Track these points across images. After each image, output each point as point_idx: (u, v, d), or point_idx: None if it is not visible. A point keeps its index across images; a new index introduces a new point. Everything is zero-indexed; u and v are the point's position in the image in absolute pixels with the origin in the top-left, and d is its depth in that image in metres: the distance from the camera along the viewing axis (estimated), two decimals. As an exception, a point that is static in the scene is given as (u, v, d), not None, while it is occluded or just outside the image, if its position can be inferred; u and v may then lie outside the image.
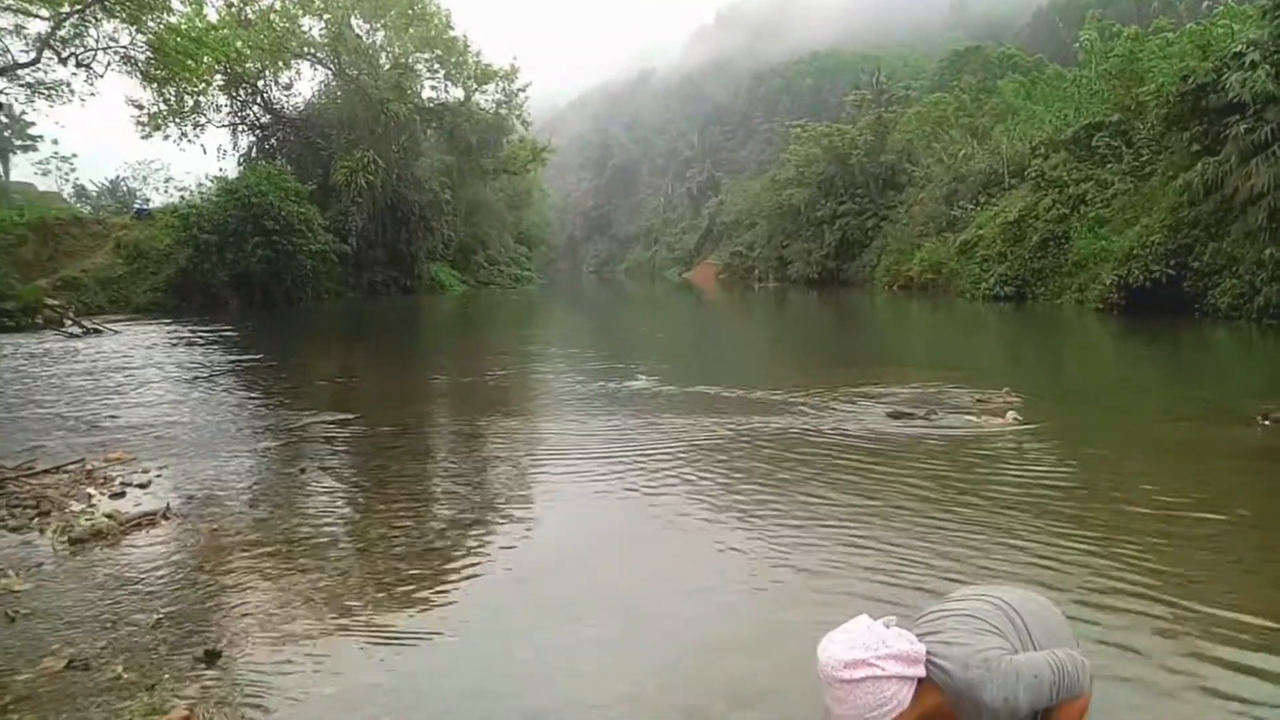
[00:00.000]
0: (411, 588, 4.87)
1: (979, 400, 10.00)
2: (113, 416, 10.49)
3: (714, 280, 72.56)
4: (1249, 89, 19.93)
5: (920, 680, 2.12)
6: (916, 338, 24.19)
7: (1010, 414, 9.15)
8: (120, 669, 3.77)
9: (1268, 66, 19.92)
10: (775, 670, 3.82)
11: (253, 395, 12.42)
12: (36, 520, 5.96)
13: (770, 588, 4.82)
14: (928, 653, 2.14)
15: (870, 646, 2.09)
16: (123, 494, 6.77)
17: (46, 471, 7.21)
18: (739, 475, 7.34)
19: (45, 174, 58.48)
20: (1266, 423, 8.61)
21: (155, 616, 4.36)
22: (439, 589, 4.87)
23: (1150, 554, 5.12)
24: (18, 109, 39.42)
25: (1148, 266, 22.53)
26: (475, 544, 5.69)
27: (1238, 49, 20.95)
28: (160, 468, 7.70)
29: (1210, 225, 21.49)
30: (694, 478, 7.21)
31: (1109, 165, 28.75)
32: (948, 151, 44.73)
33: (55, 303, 24.91)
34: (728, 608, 4.60)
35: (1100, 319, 23.40)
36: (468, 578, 5.07)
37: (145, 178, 57.10)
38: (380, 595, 4.75)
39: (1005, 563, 5.02)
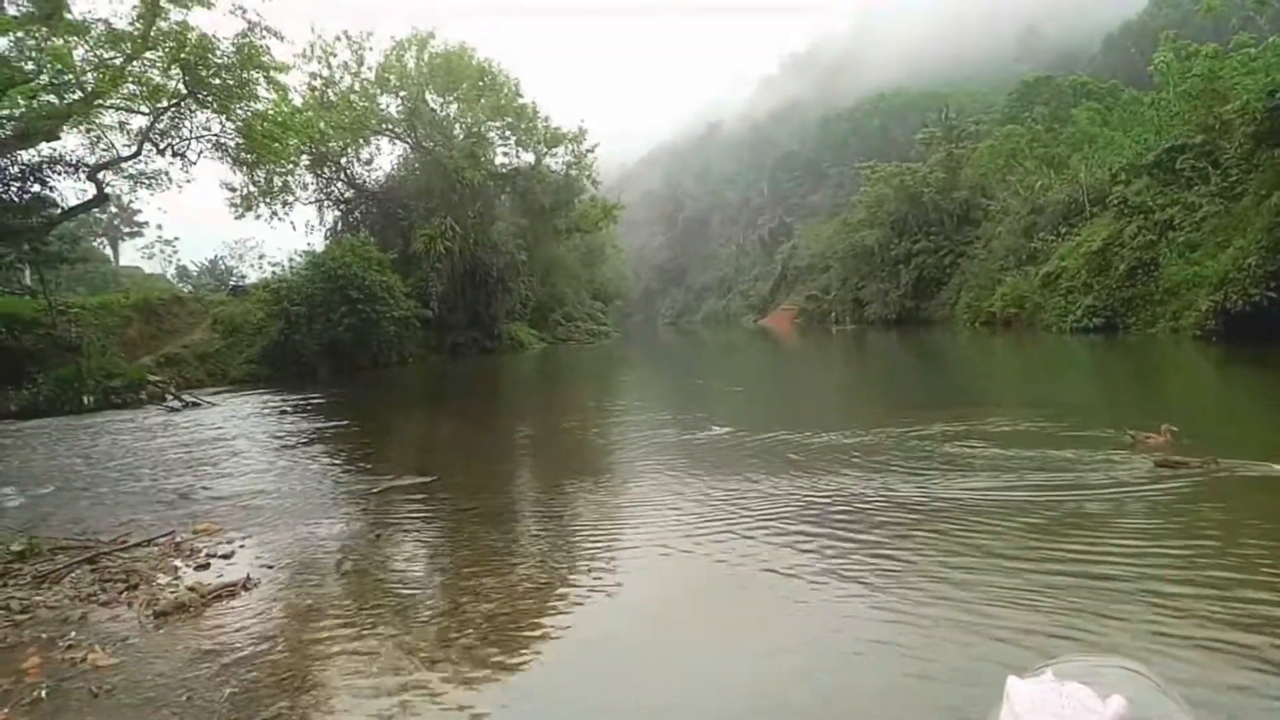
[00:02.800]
0: (491, 655, 4.85)
1: (1140, 437, 9.40)
2: (204, 488, 10.88)
3: (790, 325, 71.99)
4: (1344, 99, 19.02)
5: None
6: (1009, 375, 23.39)
7: (1165, 428, 9.05)
8: (193, 745, 3.83)
9: (1362, 74, 19.00)
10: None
11: (336, 461, 12.75)
12: (125, 594, 6.17)
13: (850, 651, 4.63)
14: None
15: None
16: (207, 565, 6.97)
17: (138, 545, 7.49)
18: (822, 532, 7.12)
19: (150, 257, 62.28)
20: None
21: (229, 690, 4.43)
22: (520, 656, 4.83)
23: None
24: (124, 199, 42.18)
25: (1246, 290, 21.39)
26: (551, 609, 5.65)
27: (1328, 58, 20.08)
28: (244, 538, 7.92)
29: (1312, 243, 20.37)
30: (779, 537, 7.04)
31: (1195, 188, 27.63)
32: (1023, 183, 43.77)
33: (158, 379, 26.23)
34: (809, 671, 4.42)
35: (1199, 347, 22.26)
36: (544, 646, 5.02)
37: (241, 255, 60.24)
38: (450, 664, 4.74)
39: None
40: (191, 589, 6.08)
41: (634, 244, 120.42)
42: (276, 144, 28.25)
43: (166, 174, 28.96)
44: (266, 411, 21.04)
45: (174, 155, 28.00)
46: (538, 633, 5.18)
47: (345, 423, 18.19)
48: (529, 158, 48.99)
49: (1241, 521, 6.60)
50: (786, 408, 18.01)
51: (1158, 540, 6.14)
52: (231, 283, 49.56)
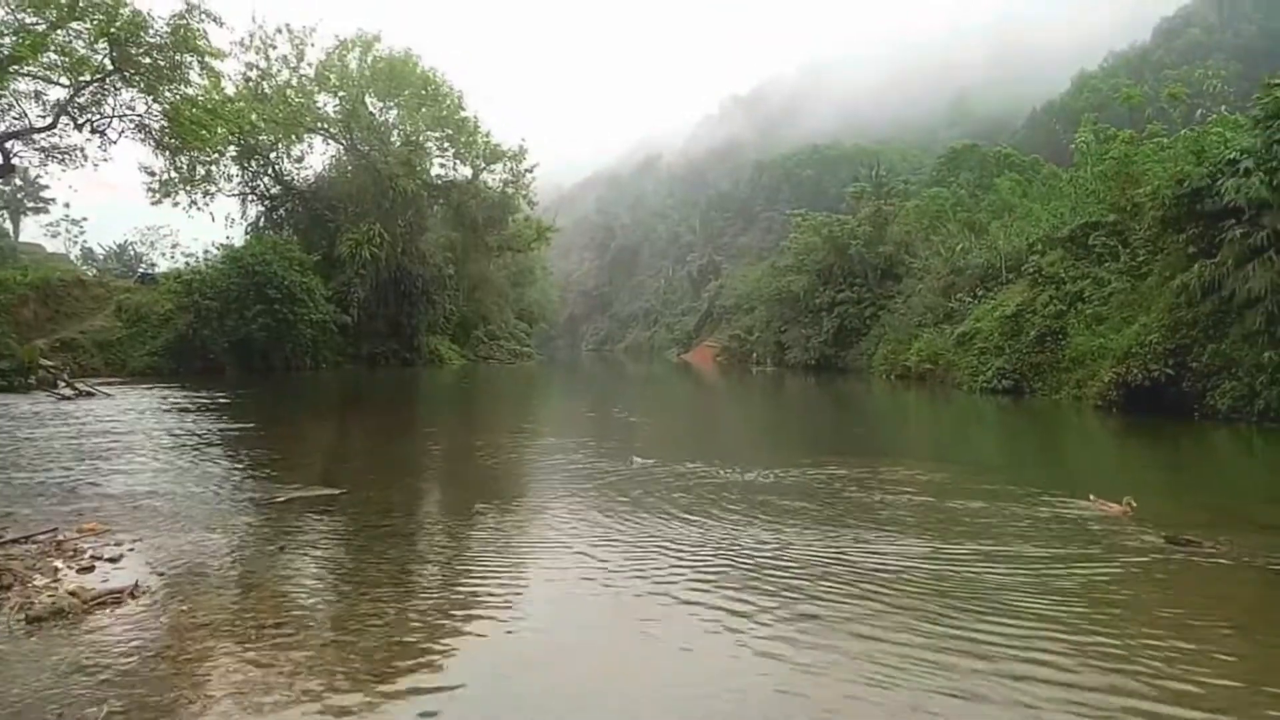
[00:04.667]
0: (383, 684, 4.59)
1: (1098, 504, 9.54)
2: (93, 484, 10.23)
3: (712, 362, 72.74)
4: (1244, 194, 20.21)
5: None
6: (924, 429, 24.01)
7: (1126, 500, 9.20)
8: (61, 769, 3.49)
9: (1261, 174, 20.23)
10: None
11: (239, 466, 12.16)
12: (-4, 594, 5.68)
13: (750, 684, 4.53)
14: None
15: None
16: (91, 568, 6.49)
17: (14, 541, 6.95)
18: (729, 567, 7.05)
19: (54, 236, 59.21)
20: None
21: (106, 709, 4.08)
22: (414, 687, 4.59)
23: None
24: (32, 172, 40.07)
25: (1146, 365, 22.47)
26: (458, 635, 5.42)
27: (1232, 155, 21.33)
28: (134, 540, 7.43)
29: (1208, 326, 21.52)
30: (689, 571, 6.93)
31: (1106, 264, 29.01)
32: (945, 245, 45.33)
33: (51, 364, 24.79)
34: (728, 711, 4.31)
35: (1100, 417, 23.25)
36: (449, 672, 4.80)
37: (153, 243, 57.90)
38: (354, 688, 4.48)
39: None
40: (72, 593, 5.63)
41: (564, 268, 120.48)
42: (204, 131, 27.34)
43: (82, 150, 27.70)
44: (167, 408, 20.06)
45: (93, 132, 26.81)
46: (439, 658, 4.95)
47: (251, 426, 17.47)
48: (466, 171, 48.64)
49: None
50: (705, 443, 18.04)
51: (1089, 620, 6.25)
52: (140, 270, 47.50)
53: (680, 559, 7.23)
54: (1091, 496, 9.64)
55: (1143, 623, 5.80)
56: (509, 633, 5.53)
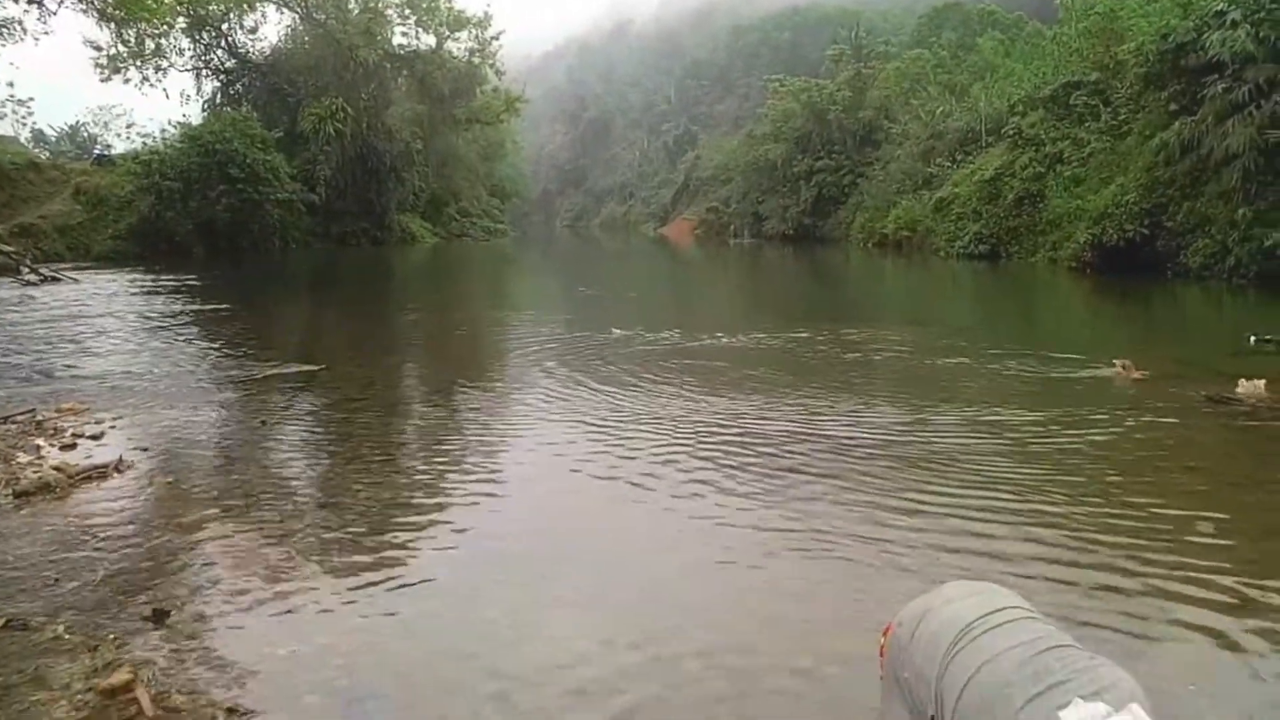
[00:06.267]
0: (375, 546, 4.69)
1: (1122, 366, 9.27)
2: (68, 366, 10.14)
3: (689, 236, 72.07)
4: (1229, 48, 19.76)
5: None
6: (899, 296, 24.14)
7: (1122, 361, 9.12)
8: (61, 629, 3.57)
9: (1248, 26, 19.73)
10: (744, 629, 3.71)
11: (215, 345, 12.06)
12: (-21, 472, 5.68)
13: (739, 549, 4.68)
14: None
15: None
16: (74, 446, 6.49)
17: (-7, 422, 6.91)
18: (711, 433, 7.18)
19: (0, 117, 56.46)
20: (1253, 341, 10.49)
21: (101, 574, 4.15)
22: (404, 548, 4.69)
23: None
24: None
25: (1122, 226, 22.52)
26: (443, 502, 5.51)
27: (1219, 8, 20.71)
28: (115, 419, 7.41)
29: (1185, 185, 21.46)
30: (668, 437, 7.05)
31: (1086, 124, 28.59)
32: (925, 109, 44.37)
33: (11, 249, 24.13)
34: (698, 569, 4.46)
35: (1074, 278, 23.46)
36: (434, 536, 4.89)
37: (106, 123, 55.61)
38: (341, 554, 4.56)
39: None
40: (57, 469, 5.64)
41: (535, 142, 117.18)
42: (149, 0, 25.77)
43: (20, 22, 26.13)
44: (135, 291, 19.72)
45: (30, 1, 25.16)
46: (432, 527, 5.04)
47: (224, 307, 17.24)
48: (429, 40, 46.46)
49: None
50: (683, 315, 18.05)
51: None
52: (96, 151, 45.68)
53: (657, 430, 7.30)
54: (1117, 361, 9.23)
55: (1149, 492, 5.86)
56: (496, 497, 5.63)
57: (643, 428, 7.23)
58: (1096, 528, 4.79)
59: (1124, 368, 9.09)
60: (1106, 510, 5.10)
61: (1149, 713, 1.42)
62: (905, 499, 5.28)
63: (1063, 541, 4.59)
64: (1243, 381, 7.95)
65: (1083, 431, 6.87)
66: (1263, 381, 7.88)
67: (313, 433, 7.42)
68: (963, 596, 1.87)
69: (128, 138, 49.70)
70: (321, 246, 39.18)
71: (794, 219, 55.86)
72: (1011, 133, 32.12)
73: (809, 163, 54.38)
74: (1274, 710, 3.09)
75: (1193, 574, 4.14)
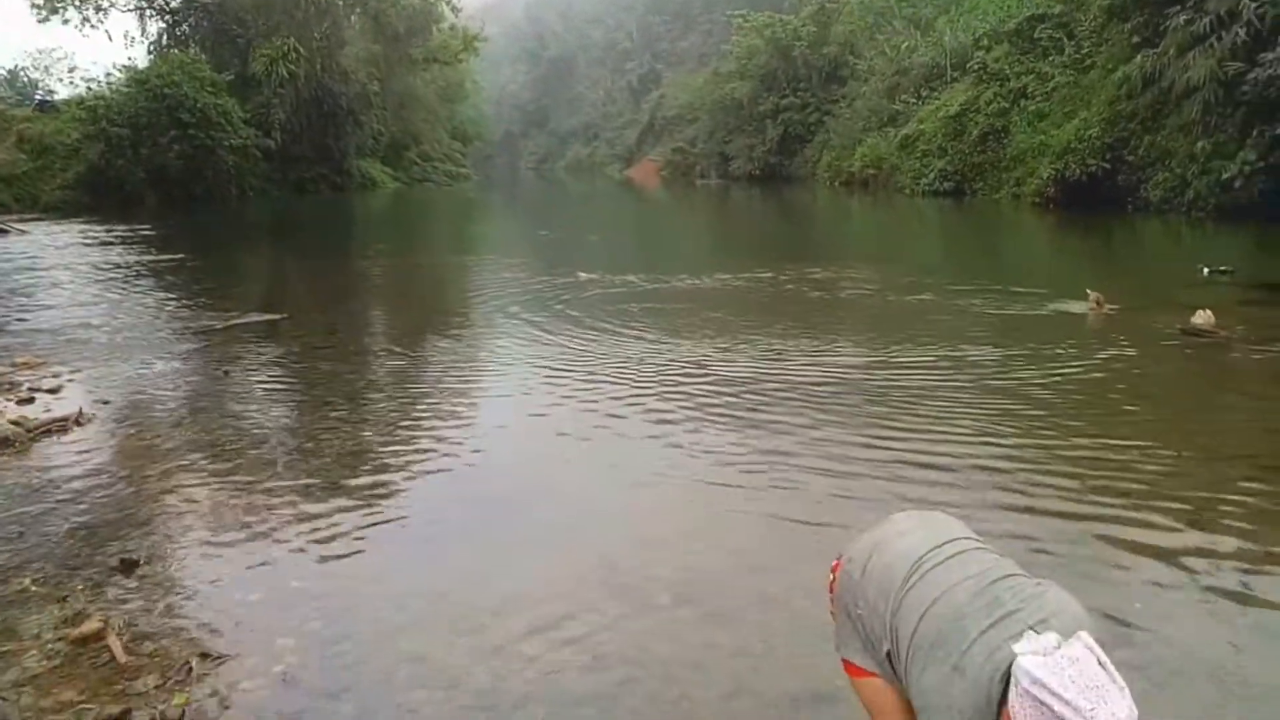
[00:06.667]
0: (343, 491, 4.70)
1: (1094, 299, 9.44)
2: (21, 319, 9.91)
3: (656, 177, 71.33)
4: (1192, -23, 19.76)
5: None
6: (864, 233, 24.18)
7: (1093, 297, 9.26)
8: (28, 581, 3.56)
9: (1211, -45, 19.71)
10: (712, 562, 3.79)
11: (173, 296, 11.82)
12: (-66, 428, 5.58)
13: (704, 487, 4.75)
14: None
15: (1081, 698, 1.34)
16: (31, 399, 6.39)
17: (-55, 377, 6.77)
18: (676, 375, 7.23)
19: (-67, 63, 54.05)
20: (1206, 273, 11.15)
21: (67, 526, 4.13)
22: (372, 492, 4.71)
23: None
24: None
25: (1084, 161, 22.67)
26: (409, 447, 5.51)
27: (1182, -63, 20.64)
28: (72, 372, 7.30)
29: (1146, 119, 21.60)
30: (632, 380, 7.09)
31: (1050, 58, 28.53)
32: (890, 43, 43.89)
33: (-46, 201, 23.32)
34: (665, 506, 4.54)
35: (1037, 213, 23.65)
36: (402, 480, 4.91)
37: (47, 67, 53.40)
38: (310, 499, 4.57)
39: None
40: (15, 423, 5.55)
41: (495, 82, 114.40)
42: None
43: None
44: (88, 242, 19.18)
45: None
46: (401, 470, 5.06)
47: (180, 256, 16.84)
48: (382, -25, 44.81)
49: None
50: (649, 256, 17.96)
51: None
52: (38, 97, 43.83)
53: (621, 373, 7.32)
54: (1090, 293, 9.38)
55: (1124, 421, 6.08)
56: (464, 440, 5.64)
57: (608, 370, 7.26)
58: (1050, 458, 4.94)
59: (1097, 302, 9.25)
60: (1060, 441, 5.25)
61: (1094, 636, 1.49)
62: (865, 435, 5.39)
63: (1017, 470, 4.73)
64: (1200, 312, 8.17)
65: (1043, 366, 7.02)
66: (1209, 311, 8.11)
67: (277, 381, 7.35)
68: (912, 530, 1.91)
69: (70, 82, 47.79)
70: (279, 194, 38.25)
71: (760, 159, 55.42)
72: (976, 68, 31.96)
73: (775, 100, 53.78)
74: (1219, 623, 3.23)
75: (1142, 500, 4.29)
